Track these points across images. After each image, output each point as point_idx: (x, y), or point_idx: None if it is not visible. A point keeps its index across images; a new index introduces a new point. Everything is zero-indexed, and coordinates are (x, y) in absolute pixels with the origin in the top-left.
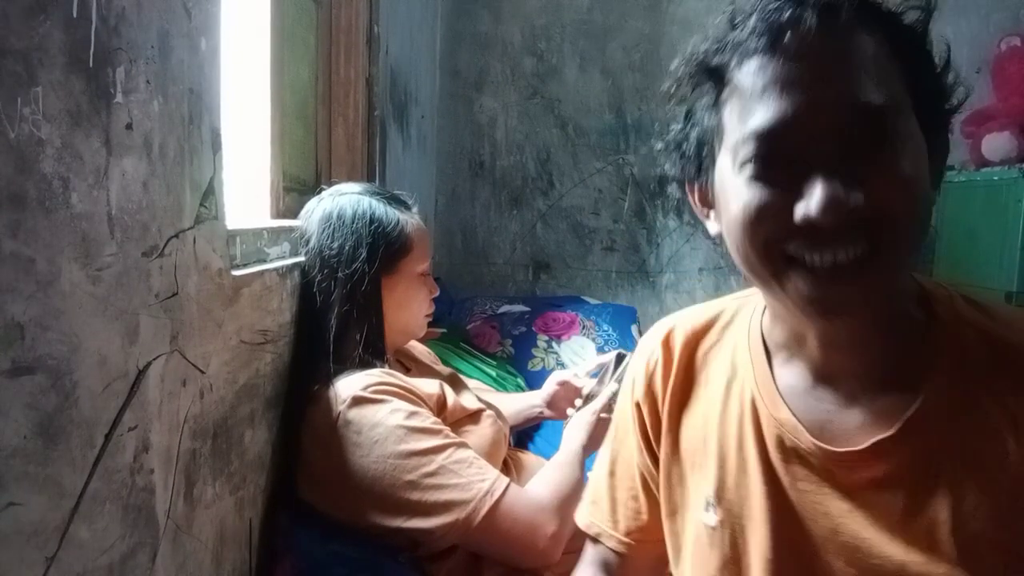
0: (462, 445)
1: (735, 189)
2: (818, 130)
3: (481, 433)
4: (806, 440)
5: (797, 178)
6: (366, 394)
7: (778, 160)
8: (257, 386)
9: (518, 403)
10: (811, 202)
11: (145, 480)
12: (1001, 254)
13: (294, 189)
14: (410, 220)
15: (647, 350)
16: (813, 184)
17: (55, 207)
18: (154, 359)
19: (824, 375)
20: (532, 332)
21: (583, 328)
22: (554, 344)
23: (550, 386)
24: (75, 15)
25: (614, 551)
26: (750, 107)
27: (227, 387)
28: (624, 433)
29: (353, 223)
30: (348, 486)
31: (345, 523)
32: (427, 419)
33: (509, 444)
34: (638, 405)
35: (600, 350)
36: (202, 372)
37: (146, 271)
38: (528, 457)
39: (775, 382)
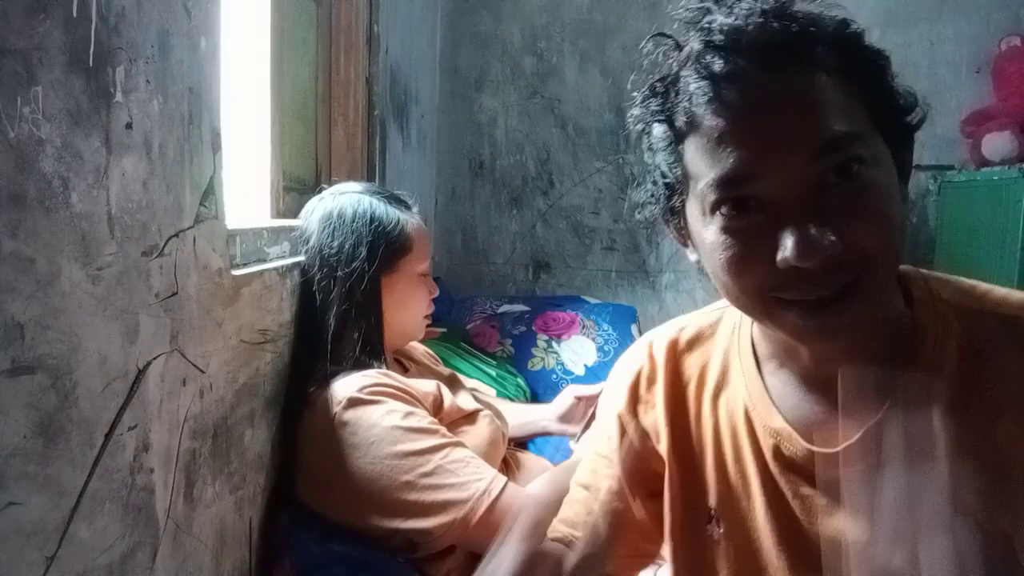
0: (459, 444)
1: (709, 238)
2: (782, 172)
3: (478, 433)
4: (800, 446)
5: (770, 223)
6: (362, 395)
7: (746, 208)
8: (257, 385)
9: (522, 416)
10: (787, 250)
11: (145, 480)
12: (1001, 254)
13: (294, 189)
14: (410, 220)
15: (630, 363)
16: (786, 229)
17: (55, 207)
18: (154, 359)
19: (816, 381)
20: (532, 332)
21: (583, 328)
22: (554, 344)
23: (567, 400)
24: (75, 15)
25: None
26: (709, 158)
27: (227, 386)
28: (602, 446)
29: (353, 222)
30: (345, 488)
31: (344, 525)
32: (423, 419)
33: (508, 444)
34: (620, 418)
35: (600, 350)
36: (202, 371)
37: (146, 271)
38: (528, 457)
39: (767, 391)
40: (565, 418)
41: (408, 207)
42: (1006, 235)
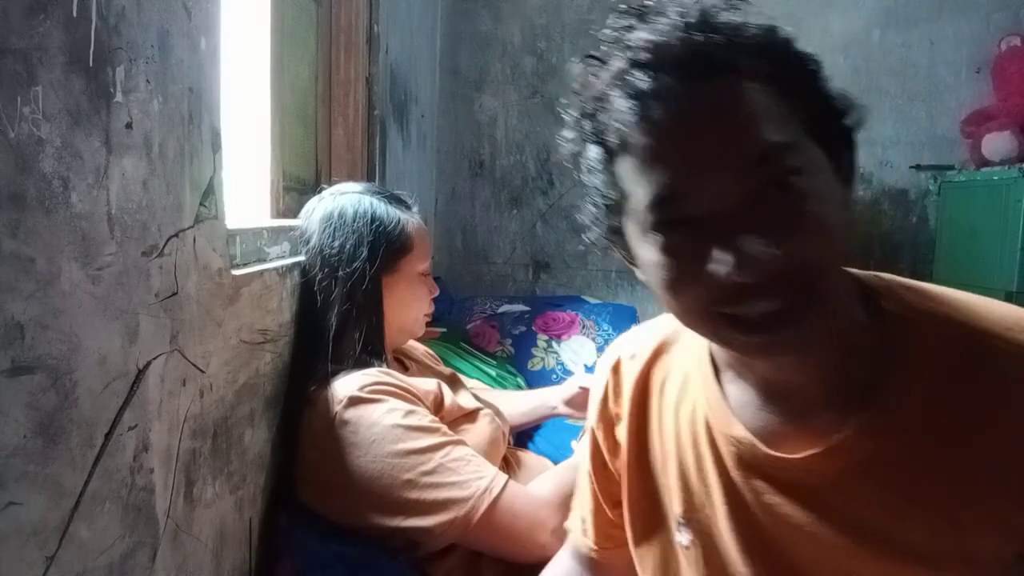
0: (460, 443)
1: (649, 258)
2: (715, 189)
3: (479, 432)
4: (763, 453)
5: (707, 240)
6: (363, 394)
7: (683, 225)
8: (257, 385)
9: (530, 401)
10: (725, 264)
11: (145, 480)
12: (1001, 254)
13: (294, 189)
14: (411, 219)
15: (600, 377)
16: (723, 244)
17: (55, 207)
18: (154, 359)
19: (774, 392)
20: (532, 332)
21: (583, 328)
22: (554, 344)
23: (572, 387)
24: (75, 14)
25: (586, 555)
26: (641, 178)
27: (227, 386)
28: (586, 455)
29: (354, 222)
30: (346, 487)
31: (344, 524)
32: (424, 418)
33: (509, 443)
34: (593, 431)
35: (600, 350)
36: (202, 371)
37: (146, 271)
38: (528, 456)
39: (726, 399)
40: (570, 404)
41: (408, 207)
42: (1006, 235)
